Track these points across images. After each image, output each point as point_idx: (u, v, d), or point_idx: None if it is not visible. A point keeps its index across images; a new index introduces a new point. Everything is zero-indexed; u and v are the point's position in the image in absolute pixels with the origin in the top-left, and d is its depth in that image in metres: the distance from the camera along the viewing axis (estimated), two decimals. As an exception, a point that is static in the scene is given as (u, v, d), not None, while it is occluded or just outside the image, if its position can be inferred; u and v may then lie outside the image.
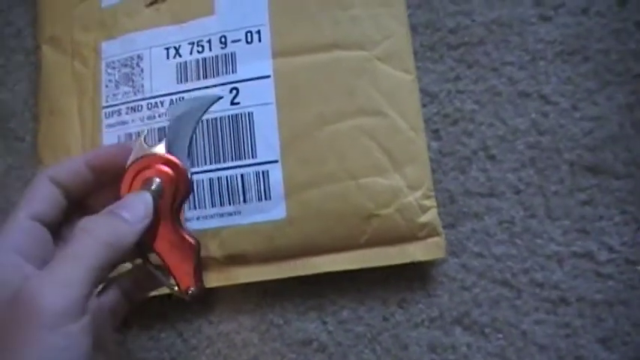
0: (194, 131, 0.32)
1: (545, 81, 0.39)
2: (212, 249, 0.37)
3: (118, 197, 0.30)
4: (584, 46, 0.39)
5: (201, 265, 0.31)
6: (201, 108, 0.32)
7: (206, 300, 0.39)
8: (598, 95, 0.38)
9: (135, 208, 0.29)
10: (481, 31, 0.40)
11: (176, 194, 0.30)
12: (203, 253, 0.34)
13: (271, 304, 0.39)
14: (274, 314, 0.38)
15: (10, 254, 0.28)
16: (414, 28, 0.40)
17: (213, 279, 0.38)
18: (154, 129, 0.39)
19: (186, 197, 0.31)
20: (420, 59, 0.40)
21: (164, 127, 0.38)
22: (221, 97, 0.36)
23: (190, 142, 0.32)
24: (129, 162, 0.31)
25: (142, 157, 0.31)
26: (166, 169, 0.30)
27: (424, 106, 0.39)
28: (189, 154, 0.32)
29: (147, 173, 0.30)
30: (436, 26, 0.40)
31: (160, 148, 0.31)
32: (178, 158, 0.31)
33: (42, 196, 0.30)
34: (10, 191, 0.44)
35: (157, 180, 0.30)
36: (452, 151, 0.39)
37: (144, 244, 0.30)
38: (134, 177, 0.30)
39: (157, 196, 0.30)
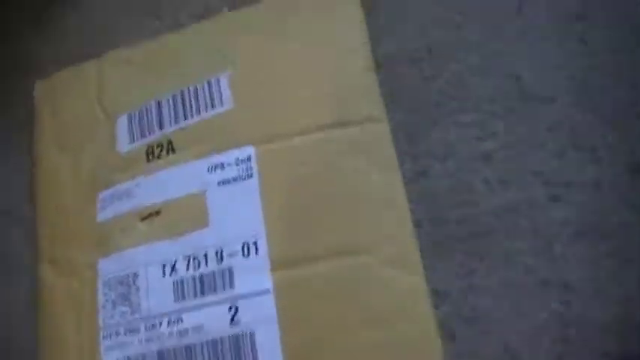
0: None
1: (564, 266, 0.36)
2: None
3: None
4: (601, 223, 0.36)
5: None
6: None
7: None
8: (622, 274, 0.35)
9: None
10: (489, 220, 0.38)
11: None
12: None
13: None
14: None
15: None
16: (418, 224, 0.38)
17: None
18: (154, 352, 0.37)
19: None
20: (427, 257, 0.37)
21: (163, 351, 0.36)
22: None
23: None
24: None
25: None
26: None
27: (436, 307, 0.36)
28: None
29: None
30: (441, 220, 0.38)
31: None
32: None
33: None
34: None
35: None
36: (470, 354, 0.36)
37: None
38: None
39: None
